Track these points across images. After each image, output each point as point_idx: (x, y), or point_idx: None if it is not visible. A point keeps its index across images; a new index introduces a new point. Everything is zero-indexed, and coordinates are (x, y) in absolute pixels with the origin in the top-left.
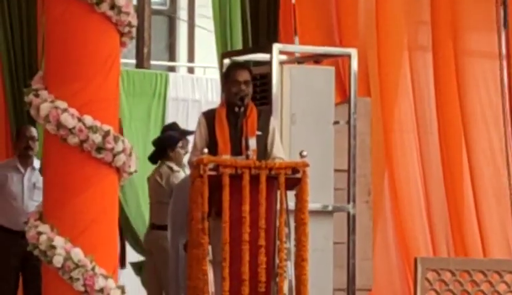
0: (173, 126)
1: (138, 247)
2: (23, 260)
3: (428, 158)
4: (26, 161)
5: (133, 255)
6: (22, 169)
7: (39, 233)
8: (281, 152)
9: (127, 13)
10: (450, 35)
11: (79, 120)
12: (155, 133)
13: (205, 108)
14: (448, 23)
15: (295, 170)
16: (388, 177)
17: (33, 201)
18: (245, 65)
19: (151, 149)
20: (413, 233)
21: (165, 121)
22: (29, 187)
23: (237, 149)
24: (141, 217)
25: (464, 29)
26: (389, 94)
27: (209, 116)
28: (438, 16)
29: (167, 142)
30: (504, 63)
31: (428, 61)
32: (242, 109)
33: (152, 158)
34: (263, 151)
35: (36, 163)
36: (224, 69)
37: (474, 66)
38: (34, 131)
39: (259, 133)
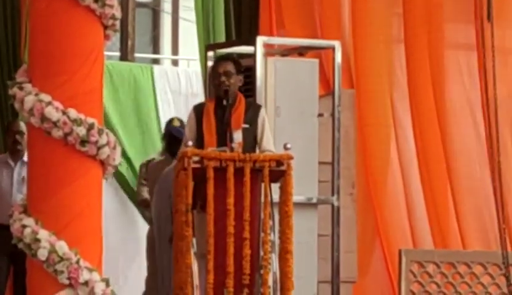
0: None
1: None
2: (12, 254)
3: (404, 151)
4: (15, 155)
5: None
6: (12, 164)
7: (24, 227)
8: (271, 145)
9: (111, 6)
10: (425, 28)
11: (63, 113)
12: (146, 126)
13: (189, 101)
14: (422, 15)
15: (279, 163)
16: (366, 170)
17: (22, 194)
18: (229, 56)
19: (135, 142)
20: (392, 226)
21: (158, 113)
22: (19, 180)
23: (223, 141)
24: None
25: (440, 21)
26: (366, 87)
27: (198, 109)
28: (412, 8)
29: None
30: (475, 55)
31: (402, 53)
32: (230, 101)
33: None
34: (252, 143)
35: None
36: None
37: (449, 58)
38: (22, 125)
39: (246, 125)
